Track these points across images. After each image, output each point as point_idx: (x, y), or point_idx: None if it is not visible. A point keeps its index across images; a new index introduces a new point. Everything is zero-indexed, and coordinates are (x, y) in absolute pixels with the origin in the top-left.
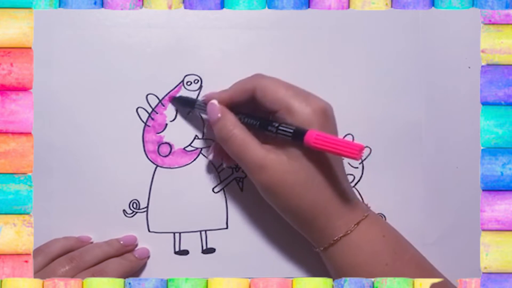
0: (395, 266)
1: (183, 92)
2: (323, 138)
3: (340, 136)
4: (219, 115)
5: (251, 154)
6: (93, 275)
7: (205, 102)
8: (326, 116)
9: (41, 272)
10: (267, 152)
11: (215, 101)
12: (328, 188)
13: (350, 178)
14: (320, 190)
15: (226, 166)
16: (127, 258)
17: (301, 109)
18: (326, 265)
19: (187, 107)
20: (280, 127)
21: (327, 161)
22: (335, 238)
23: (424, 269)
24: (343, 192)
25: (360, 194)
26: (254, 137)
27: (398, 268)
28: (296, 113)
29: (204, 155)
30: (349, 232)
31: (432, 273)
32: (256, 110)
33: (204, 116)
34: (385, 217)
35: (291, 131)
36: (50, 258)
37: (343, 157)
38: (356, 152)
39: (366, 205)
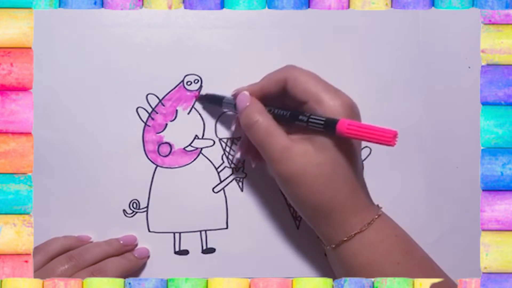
0: (406, 265)
1: (183, 92)
2: (356, 125)
3: None
4: (248, 103)
5: (275, 142)
6: (92, 274)
7: (235, 96)
8: (354, 111)
9: (40, 270)
10: (292, 142)
11: (246, 92)
12: (348, 183)
13: None
14: (341, 185)
15: (254, 166)
16: (126, 258)
17: (331, 101)
18: (333, 264)
19: (215, 104)
20: (312, 116)
21: (352, 156)
22: (349, 235)
23: (433, 269)
24: (362, 189)
25: None
26: (281, 128)
27: (409, 267)
28: (326, 105)
29: (204, 155)
30: (363, 229)
31: (439, 274)
32: (284, 105)
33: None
34: None
35: (323, 119)
36: (50, 257)
37: (378, 143)
38: (390, 138)
39: (377, 205)
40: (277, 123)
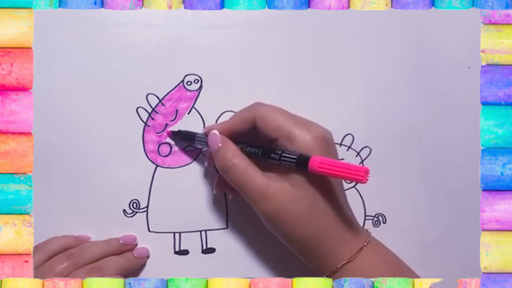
0: None
1: (183, 92)
2: (328, 163)
3: (340, 136)
4: (220, 144)
5: (253, 182)
6: (91, 272)
7: (206, 134)
8: (327, 142)
9: (39, 269)
10: (269, 181)
11: (216, 131)
12: (331, 215)
13: None
14: (323, 218)
15: (231, 198)
16: (125, 257)
17: (302, 136)
18: None
19: (187, 141)
20: (284, 154)
21: (330, 188)
22: (339, 266)
23: None
24: (345, 218)
25: (360, 195)
26: (256, 166)
27: None
28: (297, 140)
29: (204, 155)
30: (352, 259)
31: None
32: (257, 140)
33: (205, 149)
34: (385, 217)
35: (295, 157)
36: (49, 256)
37: (349, 181)
38: (362, 174)
39: (367, 230)
40: (251, 162)
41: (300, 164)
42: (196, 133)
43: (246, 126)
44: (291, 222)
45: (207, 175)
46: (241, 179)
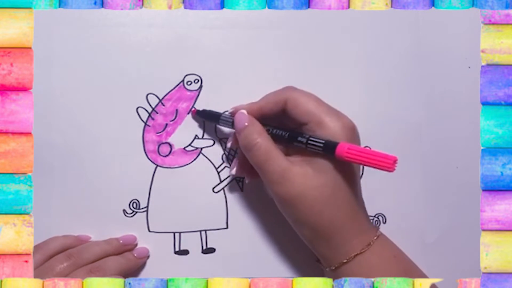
0: None
1: (183, 92)
2: (356, 149)
3: None
4: (246, 124)
5: (274, 164)
6: (90, 272)
7: (233, 114)
8: (355, 133)
9: (39, 268)
10: (291, 164)
11: (244, 111)
12: (348, 205)
13: None
14: (341, 207)
15: (247, 182)
16: (125, 257)
17: (332, 123)
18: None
19: (211, 121)
20: (311, 138)
21: (352, 177)
22: (349, 257)
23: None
24: (360, 211)
25: None
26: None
27: None
28: (327, 127)
29: (204, 155)
30: (363, 251)
31: None
32: (283, 124)
33: (227, 129)
34: (385, 217)
35: (323, 142)
36: (49, 255)
37: (377, 168)
38: (390, 163)
39: (376, 226)
40: (275, 145)
41: (327, 149)
42: (221, 113)
43: (276, 108)
44: (309, 207)
45: (207, 175)
46: (263, 159)
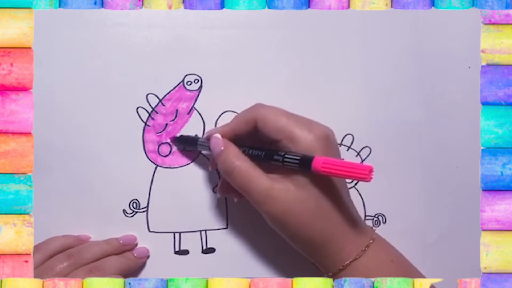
0: None
1: (183, 92)
2: (331, 162)
3: (340, 136)
4: (222, 148)
5: (256, 185)
6: (90, 271)
7: (208, 138)
8: (329, 141)
9: (39, 268)
10: (273, 182)
11: (218, 135)
12: (336, 213)
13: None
14: (329, 217)
15: (236, 201)
16: (125, 257)
17: (303, 136)
18: None
19: (190, 146)
20: (287, 155)
21: (333, 187)
22: (345, 264)
23: None
24: (351, 217)
25: (360, 195)
26: (259, 168)
27: None
28: (299, 141)
29: (204, 155)
30: (358, 256)
31: None
32: (259, 142)
33: (206, 152)
34: (385, 217)
35: (298, 158)
36: (48, 255)
37: (353, 180)
38: (366, 173)
39: (371, 228)
40: (254, 165)
41: (303, 165)
42: (198, 138)
43: (247, 128)
44: (297, 222)
45: (207, 175)
46: (244, 181)
